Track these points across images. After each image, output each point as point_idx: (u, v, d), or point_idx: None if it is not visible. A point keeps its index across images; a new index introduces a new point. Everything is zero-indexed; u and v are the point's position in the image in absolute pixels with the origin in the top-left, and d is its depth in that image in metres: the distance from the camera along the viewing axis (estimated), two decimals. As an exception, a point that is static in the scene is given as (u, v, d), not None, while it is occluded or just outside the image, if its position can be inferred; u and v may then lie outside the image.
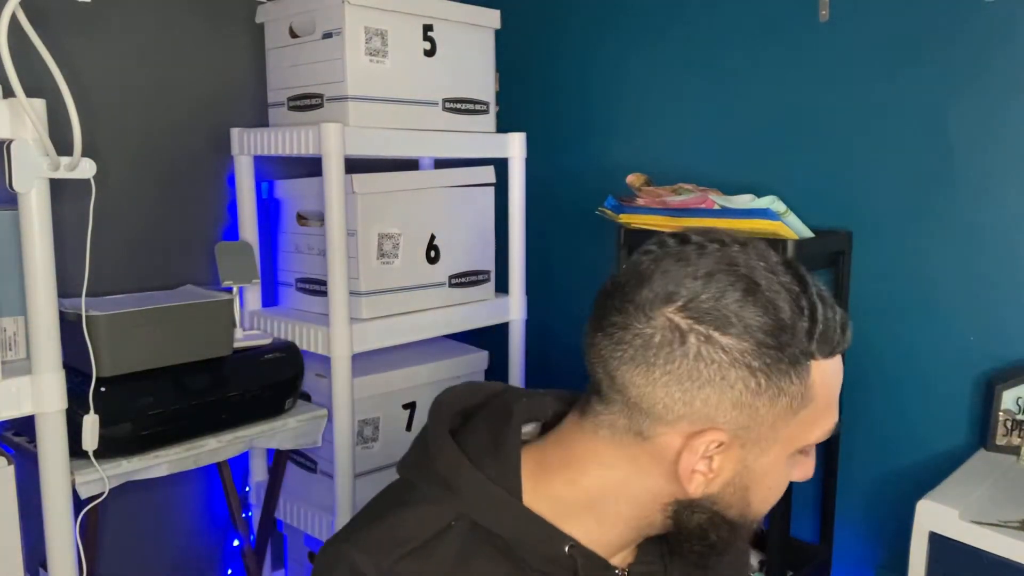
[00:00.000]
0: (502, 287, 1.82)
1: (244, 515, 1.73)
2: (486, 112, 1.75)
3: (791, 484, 0.71)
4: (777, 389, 0.61)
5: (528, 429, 0.74)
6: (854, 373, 1.54)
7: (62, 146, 1.06)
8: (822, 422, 0.65)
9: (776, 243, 1.36)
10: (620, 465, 0.66)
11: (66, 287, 1.18)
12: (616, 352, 0.63)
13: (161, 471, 1.30)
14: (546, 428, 0.74)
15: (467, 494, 0.67)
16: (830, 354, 0.64)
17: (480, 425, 0.71)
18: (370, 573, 0.64)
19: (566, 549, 0.66)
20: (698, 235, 0.65)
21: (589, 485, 0.67)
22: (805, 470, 0.69)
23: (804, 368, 0.62)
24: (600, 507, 0.67)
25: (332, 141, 1.42)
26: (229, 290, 1.46)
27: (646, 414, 0.63)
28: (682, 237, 0.65)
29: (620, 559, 0.72)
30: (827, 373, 0.64)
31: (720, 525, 0.67)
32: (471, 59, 1.71)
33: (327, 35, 1.53)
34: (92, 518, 1.35)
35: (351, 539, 0.67)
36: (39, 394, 1.11)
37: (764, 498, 0.67)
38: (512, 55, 1.98)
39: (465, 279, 1.74)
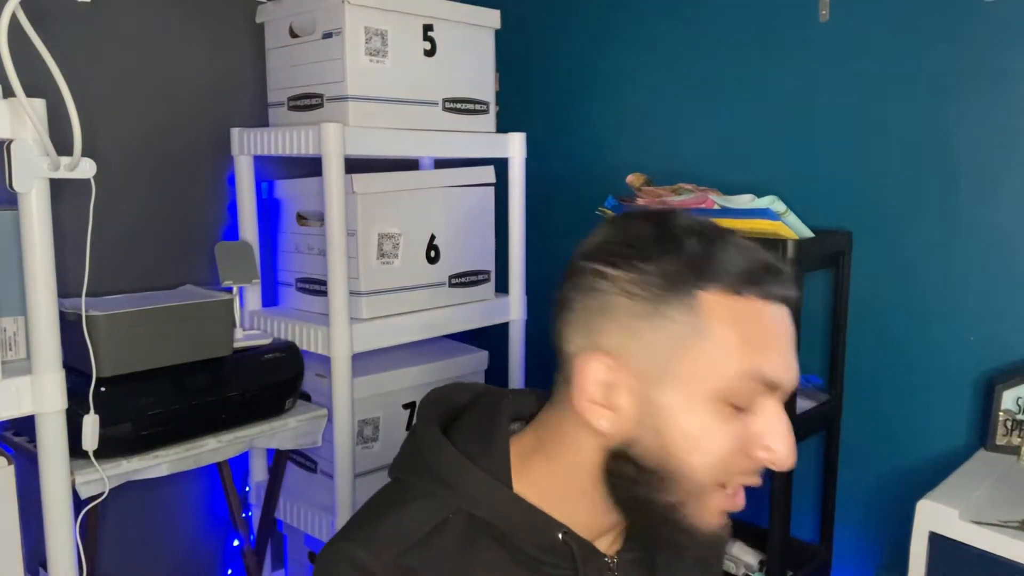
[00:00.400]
0: (502, 287, 1.82)
1: (244, 515, 1.73)
2: (486, 112, 1.75)
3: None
4: (661, 316, 0.63)
5: (514, 427, 0.76)
6: (854, 373, 1.54)
7: (62, 146, 1.06)
8: (728, 361, 0.62)
9: (776, 243, 1.36)
10: (567, 423, 0.68)
11: (66, 287, 1.18)
12: (553, 310, 0.69)
13: (161, 471, 1.30)
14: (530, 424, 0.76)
15: (462, 488, 0.68)
16: (733, 290, 0.63)
17: (470, 422, 0.73)
18: (374, 568, 0.65)
19: (560, 536, 0.68)
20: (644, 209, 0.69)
21: (558, 463, 0.69)
22: (769, 447, 0.64)
23: (691, 297, 0.62)
24: (572, 485, 0.69)
25: (332, 141, 1.42)
26: (229, 290, 1.46)
27: (564, 357, 0.67)
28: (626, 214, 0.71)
29: (607, 545, 0.73)
30: (731, 308, 0.63)
31: (648, 479, 0.64)
32: (471, 59, 1.71)
33: (327, 35, 1.53)
34: (92, 518, 1.35)
35: (352, 538, 0.68)
36: (39, 394, 1.10)
37: (687, 449, 0.63)
38: (512, 55, 1.98)
39: (465, 279, 1.74)
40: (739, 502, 0.67)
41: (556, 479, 0.69)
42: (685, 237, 0.64)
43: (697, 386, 0.63)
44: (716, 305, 0.62)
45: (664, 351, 0.63)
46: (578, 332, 0.66)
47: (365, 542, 0.67)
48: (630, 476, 0.65)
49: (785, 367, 0.64)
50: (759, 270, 0.64)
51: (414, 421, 0.75)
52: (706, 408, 0.63)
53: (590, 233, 0.70)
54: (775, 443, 0.64)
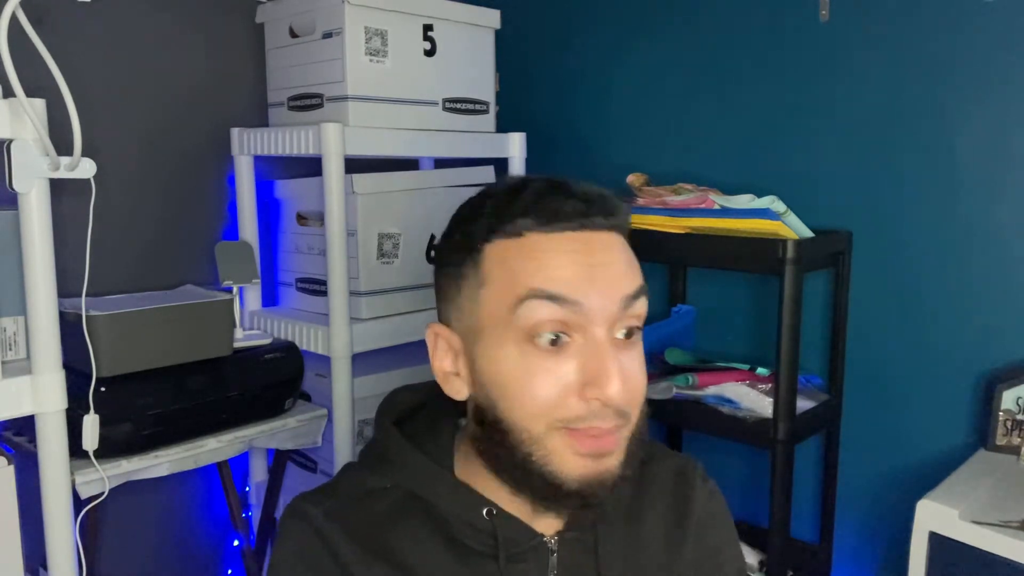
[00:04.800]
0: (502, 287, 1.82)
1: (244, 515, 1.72)
2: (486, 112, 1.75)
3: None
4: (461, 278, 0.68)
5: (464, 421, 0.79)
6: (854, 373, 1.54)
7: (62, 146, 1.06)
8: (503, 297, 0.65)
9: (776, 243, 1.36)
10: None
11: (66, 287, 1.18)
12: None
13: (161, 471, 1.30)
14: None
15: (402, 466, 0.74)
16: (510, 233, 0.66)
17: (421, 416, 0.79)
18: (311, 514, 0.72)
19: (484, 513, 0.70)
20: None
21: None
22: (593, 378, 0.63)
23: (477, 252, 0.67)
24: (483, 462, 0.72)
25: (332, 141, 1.42)
26: (229, 290, 1.46)
27: None
28: None
29: (547, 526, 0.73)
30: (509, 249, 0.66)
31: (494, 435, 0.67)
32: (471, 59, 1.71)
33: (327, 35, 1.53)
34: (92, 518, 1.35)
35: (300, 496, 0.76)
36: (39, 394, 1.10)
37: (506, 395, 0.65)
38: (512, 55, 1.97)
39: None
40: (592, 442, 0.65)
41: (483, 464, 0.72)
42: (489, 199, 0.68)
43: (495, 332, 0.66)
44: (494, 252, 0.66)
45: (467, 308, 0.68)
46: (440, 311, 0.73)
47: (309, 497, 0.75)
48: (480, 436, 0.69)
49: (570, 281, 0.64)
50: (534, 200, 0.66)
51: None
52: (513, 352, 0.65)
53: None
54: (600, 380, 0.63)
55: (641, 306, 0.68)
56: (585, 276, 0.65)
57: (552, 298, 0.64)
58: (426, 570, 0.70)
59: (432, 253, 0.70)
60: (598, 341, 0.65)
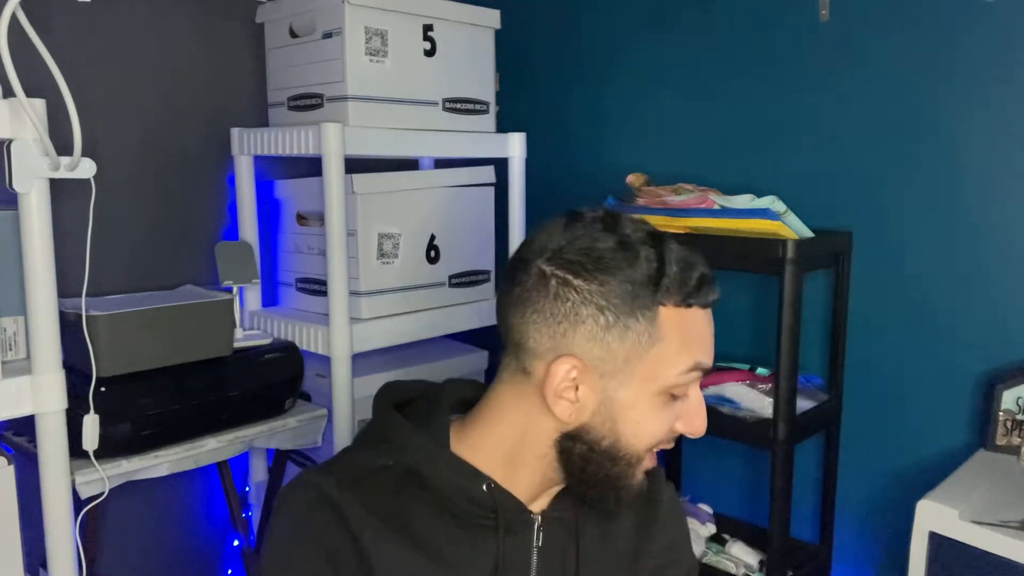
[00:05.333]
0: (502, 287, 1.82)
1: (244, 515, 1.72)
2: (486, 112, 1.75)
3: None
4: (624, 327, 0.74)
5: (455, 416, 0.85)
6: (854, 373, 1.54)
7: (62, 146, 1.06)
8: (675, 362, 0.75)
9: (776, 243, 1.36)
10: (519, 404, 0.78)
11: (66, 287, 1.18)
12: (506, 300, 0.78)
13: (161, 471, 1.30)
14: None
15: (402, 445, 0.79)
16: (683, 303, 0.75)
17: (418, 402, 0.85)
18: (322, 484, 0.76)
19: (484, 488, 0.77)
20: (593, 211, 0.78)
21: (500, 430, 0.79)
22: (689, 422, 0.79)
23: (651, 312, 0.74)
24: (511, 452, 0.79)
25: (332, 141, 1.42)
26: (229, 290, 1.46)
27: (525, 351, 0.77)
28: (576, 212, 0.79)
29: (536, 506, 0.82)
30: (680, 319, 0.75)
31: (599, 457, 0.76)
32: (471, 59, 1.71)
33: (327, 35, 1.53)
34: (92, 518, 1.35)
35: (306, 471, 0.80)
36: (39, 394, 1.10)
37: (635, 432, 0.76)
38: (512, 55, 1.97)
39: (465, 279, 1.74)
40: (653, 461, 0.81)
41: (500, 447, 0.79)
42: (640, 248, 0.74)
43: (649, 383, 0.75)
44: (670, 317, 0.75)
45: (624, 354, 0.74)
46: (544, 334, 0.75)
47: (314, 471, 0.80)
48: (583, 455, 0.77)
49: (711, 354, 0.78)
50: (700, 283, 0.75)
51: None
52: (653, 400, 0.76)
53: (539, 230, 0.78)
54: (695, 420, 0.79)
55: None
56: (712, 351, 0.79)
57: (703, 371, 0.77)
58: (434, 543, 0.76)
59: (538, 265, 0.76)
60: (699, 391, 0.80)
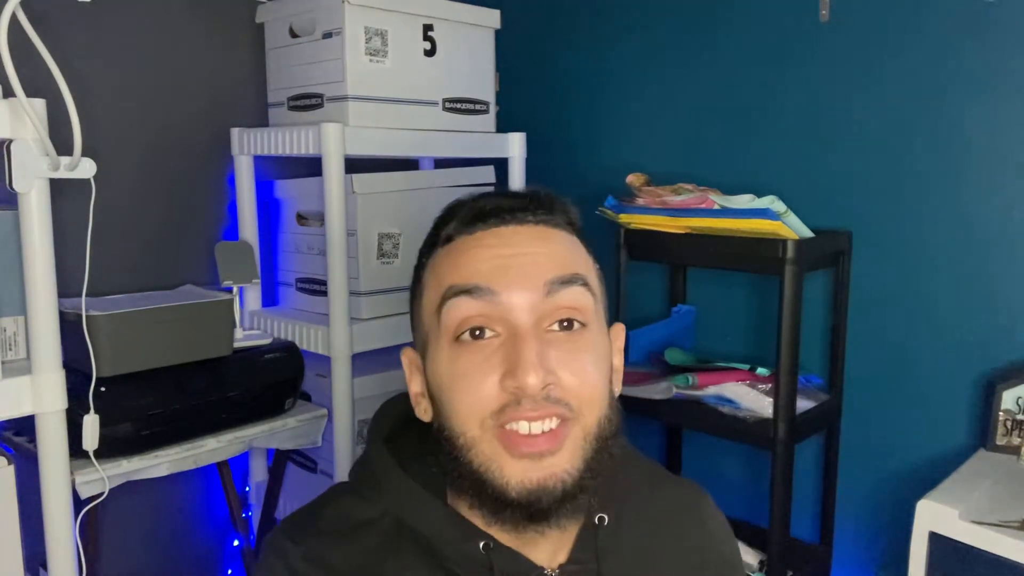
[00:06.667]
0: (502, 287, 1.82)
1: (244, 515, 1.72)
2: (486, 112, 1.75)
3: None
4: (411, 294, 0.72)
5: None
6: (854, 373, 1.54)
7: (62, 146, 1.06)
8: (435, 297, 0.67)
9: (776, 243, 1.36)
10: None
11: (66, 287, 1.18)
12: None
13: (161, 471, 1.30)
14: None
15: (394, 494, 0.69)
16: (442, 245, 0.69)
17: (413, 432, 0.74)
18: (290, 555, 0.67)
19: (480, 546, 0.66)
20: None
21: None
22: (511, 374, 0.61)
23: (422, 268, 0.71)
24: None
25: (332, 141, 1.42)
26: (229, 290, 1.46)
27: None
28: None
29: (549, 558, 0.69)
30: (442, 258, 0.69)
31: (449, 448, 0.64)
32: (471, 59, 1.71)
33: (327, 35, 1.53)
34: (92, 518, 1.35)
35: (283, 528, 0.72)
36: (39, 394, 1.10)
37: (448, 396, 0.64)
38: (512, 55, 1.97)
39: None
40: (530, 445, 0.62)
41: None
42: (442, 223, 0.70)
43: (433, 340, 0.67)
44: (430, 264, 0.70)
45: (417, 325, 0.71)
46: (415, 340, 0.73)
47: (290, 531, 0.70)
48: (442, 451, 0.66)
49: (484, 272, 0.64)
50: (470, 211, 0.68)
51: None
52: (446, 354, 0.65)
53: None
54: (516, 370, 0.61)
55: (574, 295, 0.65)
56: (501, 266, 0.64)
57: (468, 291, 0.64)
58: None
59: None
60: (519, 330, 0.63)
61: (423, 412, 0.70)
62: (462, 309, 0.64)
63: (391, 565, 0.66)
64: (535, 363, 0.61)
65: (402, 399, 0.77)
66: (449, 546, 0.66)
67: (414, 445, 0.73)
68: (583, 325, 0.66)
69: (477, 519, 0.67)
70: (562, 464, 0.63)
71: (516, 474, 0.62)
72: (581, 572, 0.69)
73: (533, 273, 0.64)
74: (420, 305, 0.70)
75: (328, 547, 0.67)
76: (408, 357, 0.72)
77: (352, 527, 0.68)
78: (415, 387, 0.71)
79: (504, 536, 0.66)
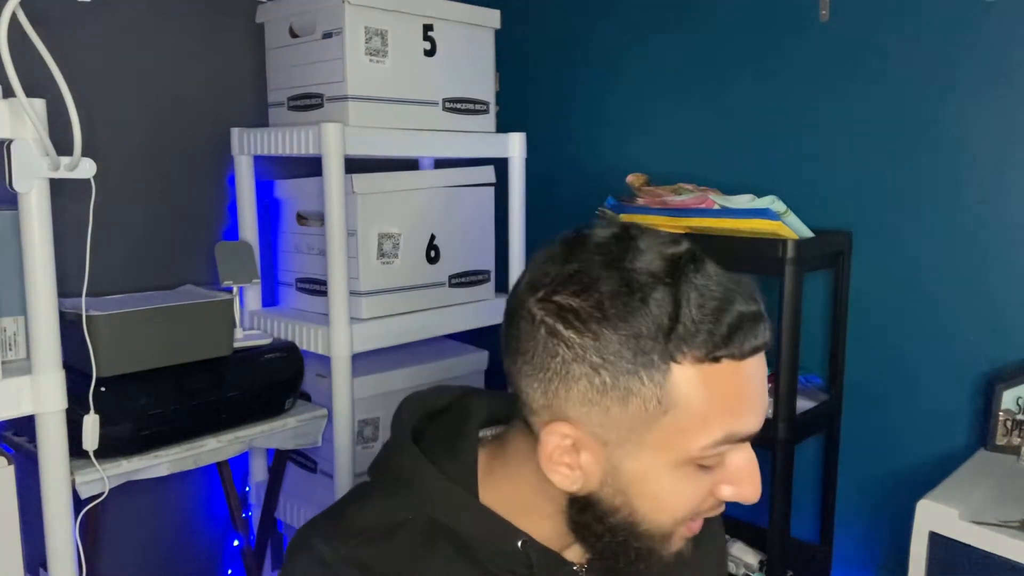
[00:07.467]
0: (502, 287, 1.82)
1: (244, 515, 1.72)
2: (486, 112, 1.75)
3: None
4: (625, 389, 0.59)
5: (488, 433, 0.76)
6: (854, 373, 1.54)
7: (62, 146, 1.06)
8: (698, 432, 0.60)
9: (776, 243, 1.36)
10: (530, 457, 0.66)
11: (66, 287, 1.18)
12: (503, 343, 0.65)
13: (161, 471, 1.30)
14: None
15: (425, 492, 0.69)
16: (707, 358, 0.59)
17: (440, 427, 0.73)
18: (327, 557, 0.66)
19: (519, 544, 0.67)
20: (603, 230, 0.63)
21: (522, 481, 0.68)
22: (737, 488, 0.64)
23: (659, 371, 0.58)
24: (529, 504, 0.68)
25: (332, 141, 1.42)
26: (229, 290, 1.46)
27: (523, 403, 0.65)
28: (582, 232, 0.64)
29: (577, 554, 0.71)
30: (703, 378, 0.59)
31: (614, 530, 0.64)
32: (471, 59, 1.71)
33: (327, 35, 1.53)
34: (92, 518, 1.35)
35: (313, 529, 0.70)
36: (39, 394, 1.10)
37: (654, 507, 0.63)
38: (512, 55, 1.97)
39: (465, 279, 1.74)
40: (698, 526, 0.68)
41: (521, 495, 0.69)
42: (650, 289, 0.58)
43: (665, 454, 0.61)
44: (688, 377, 0.59)
45: (628, 422, 0.60)
46: (536, 390, 0.62)
47: (324, 533, 0.68)
48: (595, 530, 0.65)
49: (756, 416, 0.63)
50: (735, 326, 0.59)
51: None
52: (674, 472, 0.62)
53: (537, 256, 0.64)
54: (744, 487, 0.64)
55: None
56: (761, 408, 0.63)
57: (742, 440, 0.63)
58: None
59: (529, 307, 0.61)
60: (750, 456, 0.65)
61: (568, 483, 0.64)
62: (720, 457, 0.63)
63: (428, 565, 0.67)
64: (760, 486, 0.66)
65: (422, 394, 0.77)
66: (487, 545, 0.67)
67: (443, 442, 0.72)
68: None
69: (512, 516, 0.68)
70: None
71: (677, 548, 0.67)
72: (605, 568, 0.71)
73: (766, 408, 0.66)
74: (652, 413, 0.60)
75: (365, 548, 0.67)
76: (567, 435, 0.62)
77: (388, 527, 0.68)
78: (566, 460, 0.63)
79: (538, 532, 0.69)
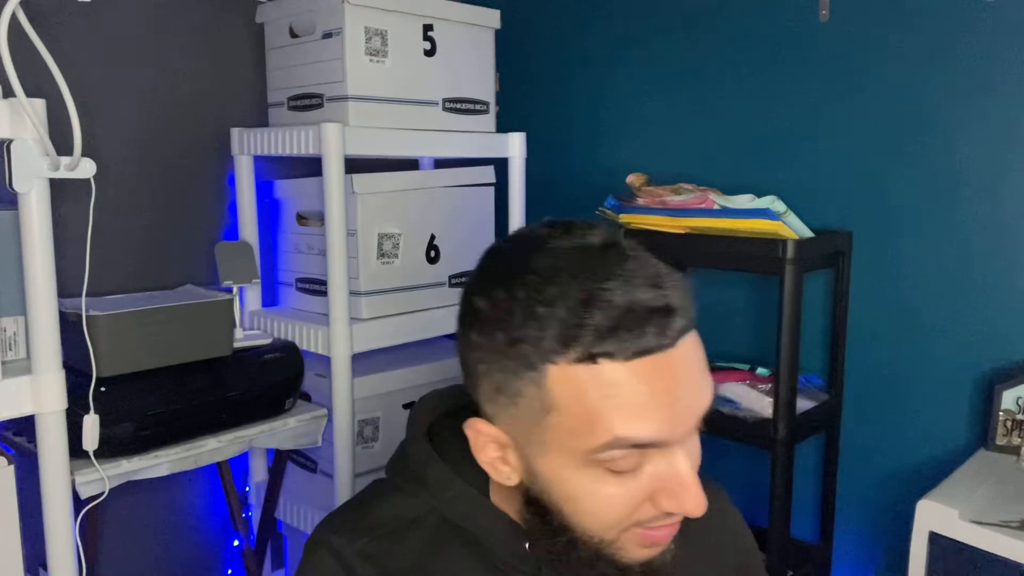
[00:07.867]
0: (502, 287, 1.82)
1: (244, 515, 1.73)
2: (486, 112, 1.75)
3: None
4: (514, 391, 0.60)
5: None
6: (854, 373, 1.54)
7: (62, 146, 1.06)
8: (591, 435, 0.57)
9: (776, 243, 1.36)
10: None
11: (66, 287, 1.18)
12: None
13: (161, 471, 1.30)
14: None
15: (438, 490, 0.70)
16: (585, 359, 0.56)
17: (456, 427, 0.72)
18: (344, 552, 0.68)
19: (526, 546, 0.68)
20: (554, 222, 0.64)
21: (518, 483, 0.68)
22: (676, 499, 0.60)
23: (539, 372, 0.58)
24: (514, 501, 0.69)
25: (332, 141, 1.42)
26: (229, 290, 1.46)
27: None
28: (541, 223, 0.65)
29: None
30: (582, 379, 0.57)
31: (558, 532, 0.63)
32: (471, 59, 1.71)
33: (327, 35, 1.53)
34: (92, 518, 1.35)
35: (329, 525, 0.72)
36: (39, 394, 1.10)
37: (575, 509, 0.61)
38: (512, 55, 1.98)
39: (465, 279, 1.74)
40: (660, 535, 0.63)
41: (506, 493, 0.69)
42: (538, 290, 0.57)
43: (565, 456, 0.59)
44: (565, 379, 0.57)
45: (524, 423, 0.61)
46: (466, 384, 0.65)
47: (340, 529, 0.70)
48: (544, 530, 0.64)
49: (655, 424, 0.57)
50: (612, 328, 0.56)
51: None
52: (584, 474, 0.60)
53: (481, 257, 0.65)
54: (680, 499, 0.60)
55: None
56: (670, 415, 0.58)
57: (638, 446, 0.58)
58: None
59: (463, 300, 0.62)
60: (678, 466, 0.60)
61: (505, 477, 0.65)
62: (625, 459, 0.58)
63: (440, 563, 0.68)
64: (702, 500, 0.60)
65: (440, 392, 0.78)
66: (499, 545, 0.68)
67: (456, 441, 0.72)
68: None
69: (514, 514, 0.69)
70: (672, 541, 0.66)
71: (641, 557, 0.64)
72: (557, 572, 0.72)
73: (696, 409, 0.60)
74: (537, 414, 0.59)
75: (381, 545, 0.69)
76: (479, 430, 0.64)
77: (401, 525, 0.70)
78: (491, 453, 0.65)
79: None
